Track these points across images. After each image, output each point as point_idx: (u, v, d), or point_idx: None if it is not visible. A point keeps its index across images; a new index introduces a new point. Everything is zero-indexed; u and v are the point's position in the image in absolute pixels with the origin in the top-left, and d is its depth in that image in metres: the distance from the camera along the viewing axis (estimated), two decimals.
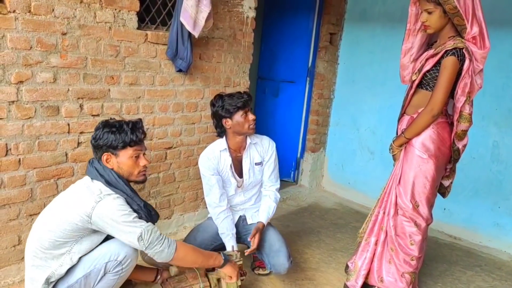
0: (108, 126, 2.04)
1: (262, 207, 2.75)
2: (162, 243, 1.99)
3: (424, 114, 2.34)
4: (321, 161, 4.95)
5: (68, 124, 2.54)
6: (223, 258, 2.28)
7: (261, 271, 2.89)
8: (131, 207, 2.02)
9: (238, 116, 2.52)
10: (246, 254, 2.60)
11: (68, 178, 2.61)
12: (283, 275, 2.79)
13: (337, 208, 4.44)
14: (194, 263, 2.20)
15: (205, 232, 2.73)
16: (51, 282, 1.98)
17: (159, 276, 2.43)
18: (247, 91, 2.53)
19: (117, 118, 2.15)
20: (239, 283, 2.40)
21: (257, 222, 2.69)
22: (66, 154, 2.58)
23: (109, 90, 2.69)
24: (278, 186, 2.81)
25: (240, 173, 2.72)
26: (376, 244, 2.58)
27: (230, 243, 2.60)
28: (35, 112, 2.38)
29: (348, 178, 4.75)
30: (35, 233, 2.01)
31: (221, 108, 2.51)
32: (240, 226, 2.79)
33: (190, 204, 3.51)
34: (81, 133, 2.61)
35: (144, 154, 2.13)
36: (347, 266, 2.79)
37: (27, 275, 2.03)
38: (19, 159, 2.38)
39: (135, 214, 1.99)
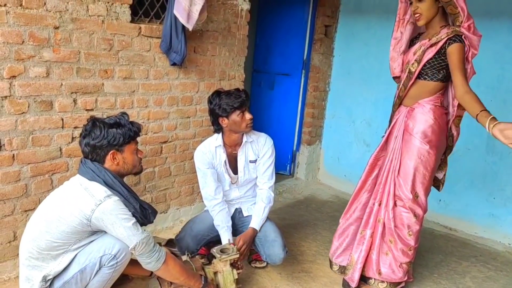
0: (107, 124, 2.01)
1: (254, 211, 2.70)
2: (152, 257, 2.01)
3: (461, 100, 2.24)
4: (317, 153, 4.95)
5: (62, 119, 2.52)
6: (202, 282, 2.27)
7: (257, 264, 2.90)
8: (131, 205, 2.04)
9: (235, 116, 2.50)
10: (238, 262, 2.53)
11: (63, 173, 2.60)
12: (280, 267, 2.80)
13: (333, 201, 4.45)
14: (175, 280, 2.20)
15: (202, 223, 2.73)
16: (48, 280, 1.97)
17: None
18: (244, 89, 2.51)
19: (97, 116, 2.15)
20: (236, 276, 2.40)
21: (249, 228, 2.65)
22: (61, 149, 2.56)
23: (103, 84, 2.67)
24: (272, 184, 2.75)
25: (234, 170, 2.73)
26: (372, 236, 2.58)
27: (226, 236, 2.59)
28: (28, 107, 2.36)
29: (344, 170, 4.75)
30: (30, 233, 1.98)
31: (218, 107, 2.49)
32: (236, 219, 2.80)
33: (186, 198, 3.51)
34: (75, 127, 2.59)
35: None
36: (330, 263, 2.78)
37: (22, 274, 2.01)
38: (13, 154, 2.36)
39: (134, 219, 1.98)
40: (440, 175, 2.63)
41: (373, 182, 2.64)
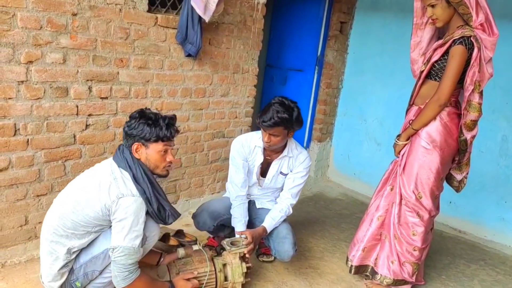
0: (144, 117, 2.05)
1: (270, 213, 2.67)
2: (121, 272, 1.97)
3: (431, 103, 2.33)
4: (327, 151, 4.93)
5: (77, 106, 2.53)
6: None
7: (265, 258, 2.91)
8: (150, 205, 2.05)
9: (263, 132, 2.52)
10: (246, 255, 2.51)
11: (76, 160, 2.61)
12: (288, 263, 2.79)
13: (342, 199, 4.43)
14: None
15: (219, 202, 2.78)
16: (74, 252, 2.02)
17: (162, 259, 2.47)
18: (283, 116, 2.40)
19: (153, 110, 2.17)
20: (245, 270, 2.41)
21: (261, 225, 2.64)
22: (74, 136, 2.57)
23: (118, 73, 2.67)
24: (294, 203, 2.72)
25: (263, 173, 2.74)
26: (383, 221, 2.62)
27: (240, 229, 2.60)
28: (44, 92, 2.37)
29: (353, 168, 4.74)
30: (58, 209, 2.02)
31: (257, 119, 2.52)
32: (250, 209, 2.81)
33: (196, 190, 3.51)
34: (89, 115, 2.60)
35: (171, 149, 2.15)
36: (347, 259, 2.79)
37: (44, 248, 2.04)
38: (28, 139, 2.38)
39: (138, 230, 1.98)
40: (459, 177, 2.59)
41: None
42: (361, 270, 2.69)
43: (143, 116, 2.06)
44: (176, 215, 2.21)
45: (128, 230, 1.94)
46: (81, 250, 2.05)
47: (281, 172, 2.70)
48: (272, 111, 2.40)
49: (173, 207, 2.21)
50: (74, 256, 2.03)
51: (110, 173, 2.02)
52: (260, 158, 2.65)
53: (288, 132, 2.49)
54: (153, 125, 2.03)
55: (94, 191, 1.96)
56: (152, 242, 2.15)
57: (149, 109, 2.14)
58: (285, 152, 2.64)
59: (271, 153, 2.66)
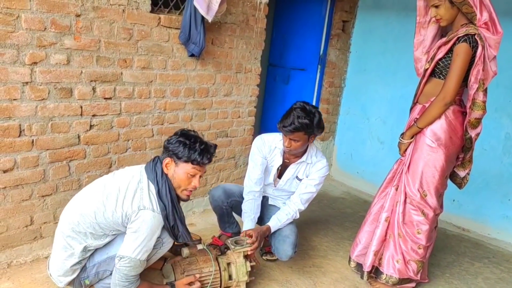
0: (184, 136, 2.10)
1: (278, 214, 2.67)
2: (121, 281, 2.00)
3: (436, 102, 2.33)
4: (330, 150, 4.94)
5: (81, 107, 2.54)
6: None
7: (269, 257, 2.92)
8: (167, 222, 2.08)
9: (284, 136, 2.53)
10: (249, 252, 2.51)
11: (80, 160, 2.62)
12: (291, 261, 2.80)
13: (345, 197, 4.44)
14: None
15: (235, 186, 2.87)
16: (89, 250, 2.07)
17: (165, 264, 2.48)
18: (304, 121, 2.40)
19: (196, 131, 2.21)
20: (249, 269, 2.42)
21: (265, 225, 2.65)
22: (79, 137, 2.59)
23: (121, 73, 2.69)
24: (303, 209, 2.72)
25: (280, 175, 2.76)
26: (387, 220, 2.60)
27: (249, 225, 2.61)
28: (48, 93, 2.38)
29: (357, 167, 4.74)
30: (80, 206, 2.06)
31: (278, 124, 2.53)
32: (262, 203, 2.83)
33: (200, 189, 3.52)
34: (93, 115, 2.61)
35: (200, 176, 2.16)
36: (350, 259, 2.80)
37: (59, 243, 2.07)
38: (32, 140, 2.39)
39: (149, 245, 2.03)
40: (462, 173, 2.59)
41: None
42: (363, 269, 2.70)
43: (183, 135, 2.11)
44: (188, 238, 2.23)
45: (139, 243, 1.99)
46: (96, 249, 2.09)
47: (296, 177, 2.72)
48: (292, 116, 2.40)
49: (187, 229, 2.24)
50: (89, 254, 2.07)
51: (138, 181, 2.07)
52: (278, 160, 2.67)
53: (309, 137, 2.49)
54: (188, 145, 2.07)
55: (119, 197, 2.01)
56: (165, 249, 2.20)
57: (195, 131, 2.18)
58: (303, 158, 2.65)
59: (290, 157, 2.68)
